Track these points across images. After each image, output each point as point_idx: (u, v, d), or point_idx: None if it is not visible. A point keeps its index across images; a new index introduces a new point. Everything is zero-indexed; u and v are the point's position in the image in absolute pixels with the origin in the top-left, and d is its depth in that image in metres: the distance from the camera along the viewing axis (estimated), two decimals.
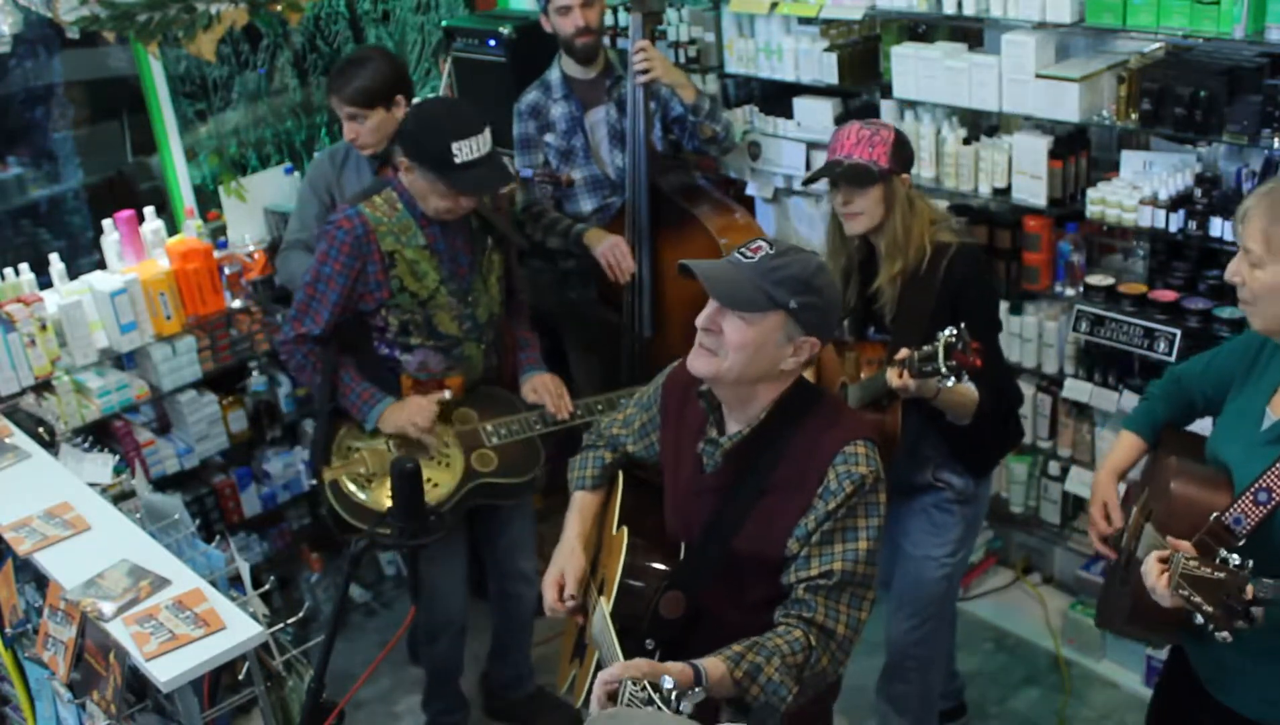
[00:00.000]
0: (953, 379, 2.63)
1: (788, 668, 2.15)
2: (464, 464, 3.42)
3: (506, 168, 3.34)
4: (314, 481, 3.54)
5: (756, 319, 2.20)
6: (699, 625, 2.36)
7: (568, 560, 2.57)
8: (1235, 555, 2.03)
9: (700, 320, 2.26)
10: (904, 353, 2.71)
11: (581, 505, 2.68)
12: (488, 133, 3.19)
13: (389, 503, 3.30)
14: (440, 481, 3.38)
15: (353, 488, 3.36)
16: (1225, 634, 2.01)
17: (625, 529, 2.51)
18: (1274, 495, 2.15)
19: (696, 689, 2.01)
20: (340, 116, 3.69)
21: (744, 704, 2.13)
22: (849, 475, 2.22)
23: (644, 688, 1.88)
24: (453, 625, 3.66)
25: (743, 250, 2.24)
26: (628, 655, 2.24)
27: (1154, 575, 2.10)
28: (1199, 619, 2.03)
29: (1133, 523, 2.50)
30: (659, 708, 1.85)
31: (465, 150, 3.12)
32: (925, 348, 2.66)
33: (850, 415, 2.38)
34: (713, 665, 2.09)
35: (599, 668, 2.26)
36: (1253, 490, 2.17)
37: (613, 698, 1.93)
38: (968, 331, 2.63)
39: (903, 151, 3.01)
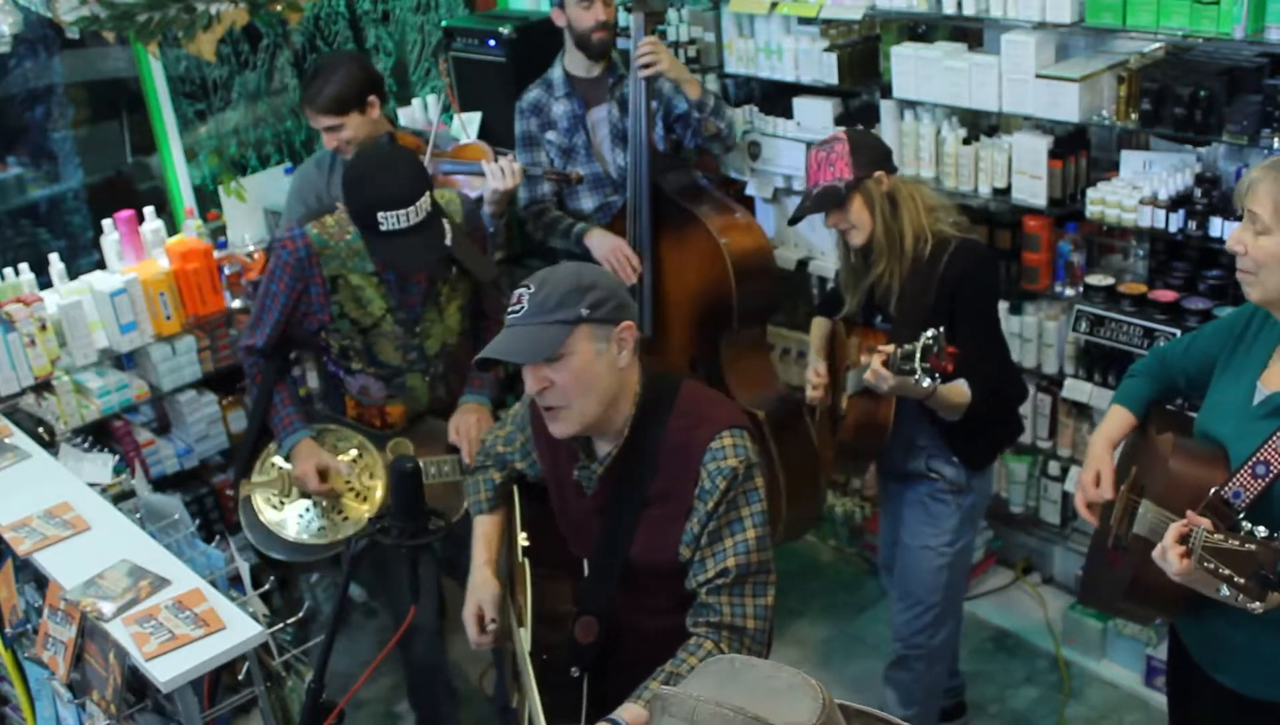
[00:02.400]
0: (927, 380, 2.69)
1: None
2: (384, 497, 3.33)
3: (443, 237, 3.09)
4: (231, 493, 3.50)
5: (567, 349, 2.19)
6: (620, 640, 2.36)
7: (482, 590, 2.55)
8: (1261, 528, 2.05)
9: (530, 391, 2.26)
10: (889, 349, 2.78)
11: (484, 530, 2.66)
12: (425, 200, 3.01)
13: (293, 528, 3.30)
14: (351, 514, 3.32)
15: (262, 505, 3.33)
16: (1257, 605, 2.02)
17: (527, 562, 2.49)
18: (1272, 468, 2.17)
19: None
20: (319, 130, 3.66)
21: None
22: (719, 472, 2.23)
23: None
24: (422, 630, 3.61)
25: (511, 308, 2.23)
26: (557, 685, 2.28)
27: (1172, 548, 2.11)
28: (1224, 591, 2.04)
29: (1121, 500, 2.52)
30: None
31: (392, 221, 2.97)
32: (906, 347, 2.74)
33: (711, 406, 2.35)
34: (633, 715, 2.11)
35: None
36: (1251, 463, 2.19)
37: None
38: (945, 337, 2.69)
39: (864, 154, 3.03)
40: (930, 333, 2.68)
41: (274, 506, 3.33)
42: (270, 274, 3.23)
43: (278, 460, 3.37)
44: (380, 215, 2.97)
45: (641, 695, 2.17)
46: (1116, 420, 2.64)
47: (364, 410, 3.41)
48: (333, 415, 3.43)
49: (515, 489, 2.67)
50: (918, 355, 2.68)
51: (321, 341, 3.32)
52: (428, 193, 3.04)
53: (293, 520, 3.33)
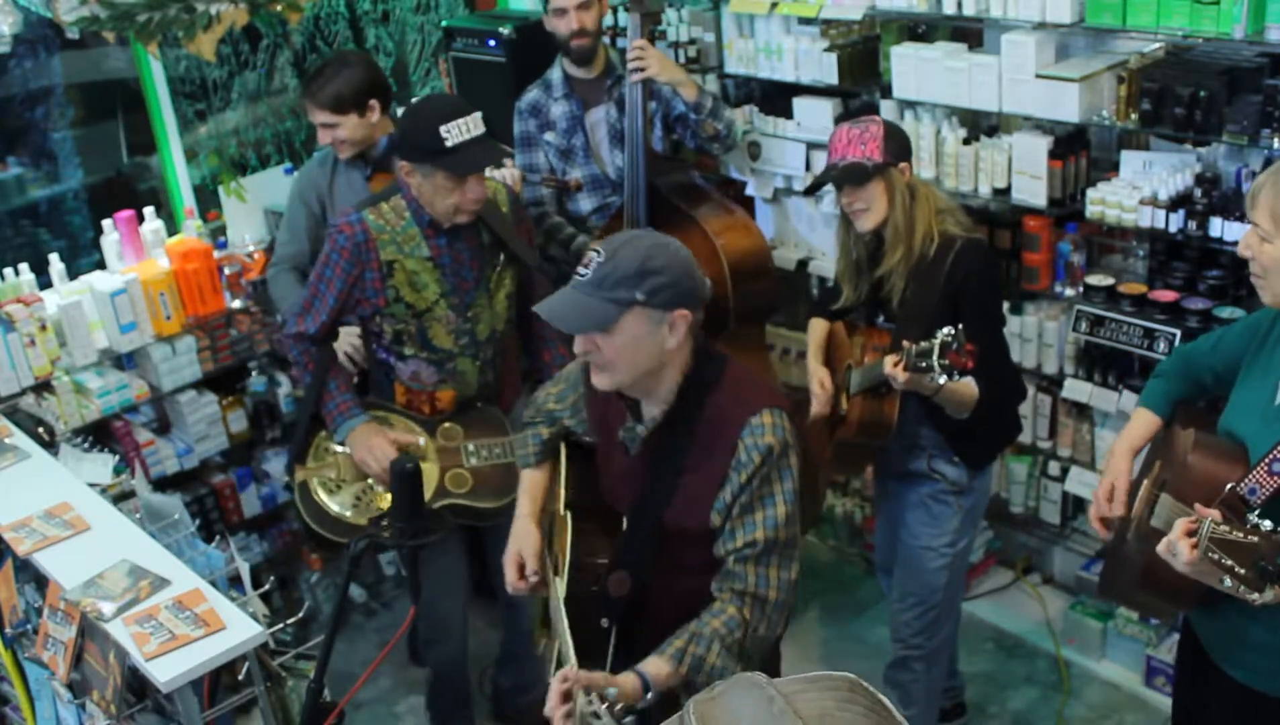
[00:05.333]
0: (945, 377, 2.71)
1: (728, 650, 2.28)
2: (437, 481, 3.36)
3: (500, 146, 3.30)
4: (287, 479, 3.53)
5: (617, 327, 2.28)
6: (650, 595, 2.45)
7: (523, 540, 2.64)
8: (1267, 521, 2.07)
9: (576, 350, 2.36)
10: (905, 345, 2.78)
11: (529, 483, 2.74)
12: (478, 117, 3.15)
13: (352, 511, 3.32)
14: None
15: (320, 491, 3.35)
16: (1256, 596, 2.04)
17: (569, 514, 2.59)
18: None
19: (648, 695, 2.18)
20: (315, 123, 3.66)
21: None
22: (756, 447, 2.32)
23: (591, 700, 2.04)
24: (450, 632, 3.62)
25: (579, 270, 2.31)
26: (586, 633, 2.37)
27: (1181, 541, 2.12)
28: (1227, 582, 2.05)
29: (1144, 493, 2.53)
30: (604, 719, 2.02)
31: (456, 132, 3.08)
32: (923, 343, 2.74)
33: (754, 386, 2.45)
34: (657, 668, 2.23)
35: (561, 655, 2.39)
36: (1268, 461, 2.21)
37: (566, 697, 2.08)
38: (964, 333, 2.70)
39: (895, 142, 3.06)
40: (948, 329, 2.70)
41: (330, 491, 3.36)
42: (325, 260, 3.26)
43: (333, 445, 3.39)
44: (443, 129, 3.06)
45: (665, 650, 2.27)
46: (1140, 425, 2.65)
47: (413, 396, 3.43)
48: (383, 403, 3.45)
49: (562, 445, 2.76)
50: (935, 352, 2.69)
51: (375, 327, 3.34)
52: (479, 114, 3.14)
53: (352, 503, 3.36)
